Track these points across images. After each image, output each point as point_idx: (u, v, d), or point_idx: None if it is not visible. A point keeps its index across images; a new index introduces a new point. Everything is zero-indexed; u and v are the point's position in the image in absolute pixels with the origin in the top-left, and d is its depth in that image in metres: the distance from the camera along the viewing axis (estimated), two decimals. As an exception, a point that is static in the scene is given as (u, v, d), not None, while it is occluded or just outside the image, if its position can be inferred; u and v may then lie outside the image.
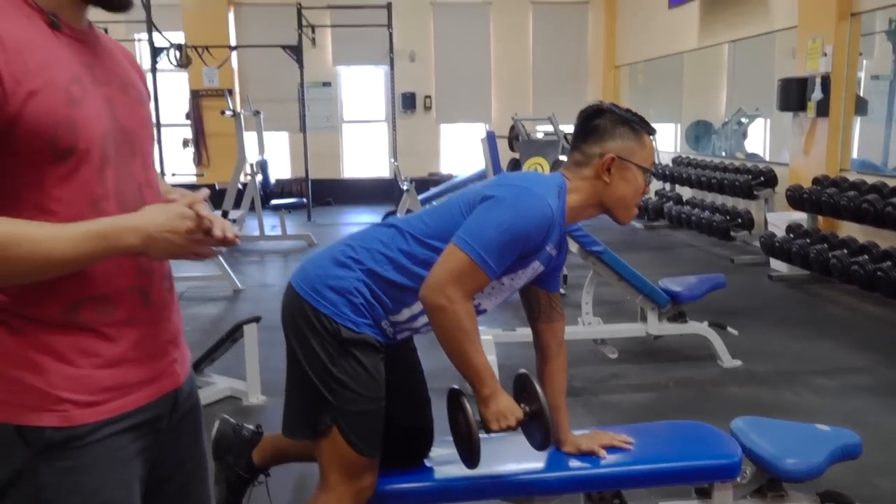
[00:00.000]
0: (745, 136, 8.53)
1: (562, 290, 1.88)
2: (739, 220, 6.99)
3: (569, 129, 8.89)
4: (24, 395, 1.08)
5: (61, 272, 1.06)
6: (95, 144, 1.09)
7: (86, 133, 1.07)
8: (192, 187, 1.29)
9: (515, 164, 9.25)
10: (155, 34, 8.78)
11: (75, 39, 1.12)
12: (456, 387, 1.73)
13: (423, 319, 1.76)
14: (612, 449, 1.92)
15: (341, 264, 1.75)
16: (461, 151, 11.44)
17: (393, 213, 7.73)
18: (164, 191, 1.28)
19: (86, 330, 1.11)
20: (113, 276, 1.13)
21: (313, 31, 9.94)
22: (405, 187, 7.02)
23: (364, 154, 11.47)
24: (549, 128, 8.80)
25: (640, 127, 1.74)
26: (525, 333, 3.80)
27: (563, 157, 8.65)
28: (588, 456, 1.90)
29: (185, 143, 10.00)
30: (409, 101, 11.07)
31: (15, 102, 1.00)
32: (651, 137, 1.76)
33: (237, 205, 7.54)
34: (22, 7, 1.07)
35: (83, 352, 1.11)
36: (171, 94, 10.46)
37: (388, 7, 9.39)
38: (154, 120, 1.28)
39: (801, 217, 6.06)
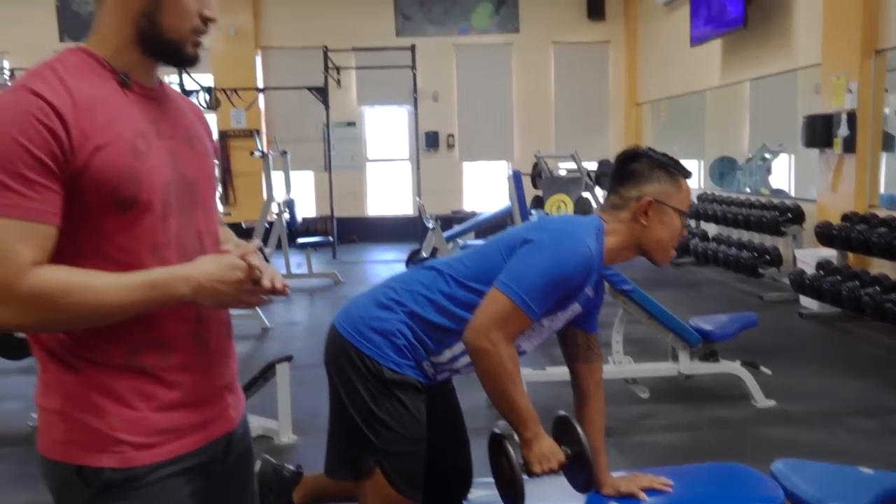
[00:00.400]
0: (769, 171, 8.51)
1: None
2: (767, 257, 6.94)
3: (591, 166, 8.88)
4: (86, 436, 1.12)
5: (116, 318, 1.11)
6: (158, 195, 1.14)
7: (148, 184, 1.12)
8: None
9: (538, 202, 9.28)
10: (185, 77, 9.02)
11: (144, 97, 1.18)
12: (498, 430, 1.74)
13: (464, 360, 1.78)
14: (651, 491, 1.90)
15: (384, 306, 1.79)
16: (484, 189, 11.54)
17: (418, 251, 7.77)
18: (223, 239, 1.32)
19: (145, 374, 1.15)
20: (172, 322, 1.17)
21: (339, 73, 10.15)
22: (431, 225, 7.07)
23: (388, 192, 11.59)
24: (572, 165, 8.86)
25: (675, 171, 1.77)
26: (555, 372, 3.83)
27: (587, 194, 8.69)
28: (628, 498, 1.89)
29: (213, 183, 10.18)
30: (432, 140, 11.21)
31: (82, 156, 1.06)
32: (686, 181, 1.79)
33: (264, 243, 7.64)
34: (95, 67, 1.14)
35: (141, 395, 1.15)
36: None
37: (412, 49, 9.58)
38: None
39: (830, 254, 6.01)
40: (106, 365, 1.13)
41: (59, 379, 1.14)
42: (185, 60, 1.20)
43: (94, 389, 1.13)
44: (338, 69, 10.03)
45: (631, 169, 1.77)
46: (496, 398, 1.65)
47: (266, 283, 1.15)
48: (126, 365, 1.14)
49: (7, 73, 8.98)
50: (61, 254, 1.09)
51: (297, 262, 8.45)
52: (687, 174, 1.79)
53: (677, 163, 1.78)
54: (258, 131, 10.40)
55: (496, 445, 1.72)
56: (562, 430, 1.73)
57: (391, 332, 1.75)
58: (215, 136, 10.63)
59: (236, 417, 1.29)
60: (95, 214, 1.10)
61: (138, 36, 1.15)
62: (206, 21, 1.18)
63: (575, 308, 1.80)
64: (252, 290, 1.15)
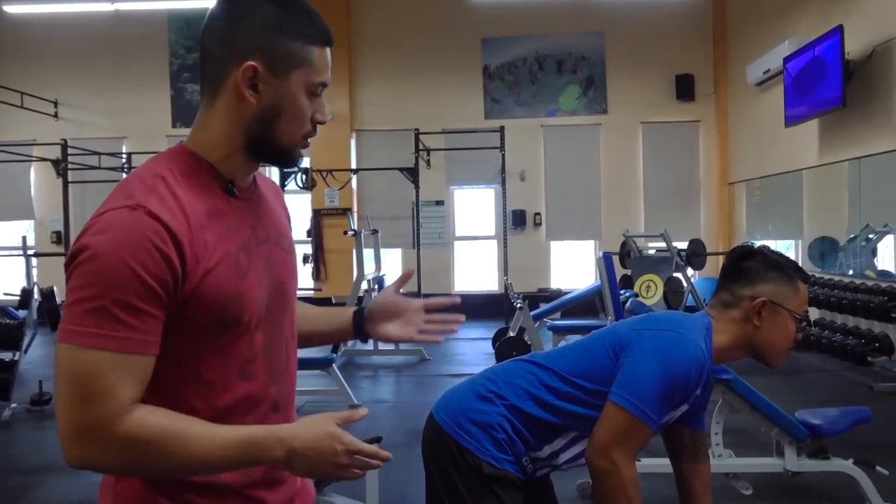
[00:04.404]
0: (874, 253, 8.12)
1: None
2: (877, 345, 6.54)
3: (681, 245, 8.72)
4: None
5: (203, 473, 1.07)
6: (255, 312, 1.12)
7: (249, 303, 1.11)
8: (311, 301, 1.37)
9: (627, 281, 9.14)
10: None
11: (245, 200, 1.16)
12: None
13: (564, 457, 1.74)
14: None
15: (483, 398, 1.78)
16: (570, 267, 11.46)
17: (505, 330, 7.73)
18: (307, 313, 1.38)
19: (225, 492, 1.12)
20: None
21: (429, 154, 10.44)
22: (518, 305, 7.04)
23: (474, 269, 11.67)
24: (661, 244, 8.70)
25: (793, 273, 1.72)
26: (651, 464, 3.67)
27: (677, 274, 8.49)
28: None
29: (306, 259, 10.55)
30: (518, 218, 11.29)
31: (193, 281, 1.04)
32: (805, 284, 1.73)
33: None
34: (202, 174, 1.11)
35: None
36: (295, 213, 11.13)
37: (501, 130, 9.79)
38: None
39: (948, 343, 5.61)
40: (185, 482, 1.09)
41: (129, 488, 1.09)
42: (292, 163, 1.18)
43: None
44: (428, 150, 10.34)
45: (745, 267, 1.73)
46: None
47: (360, 459, 1.08)
48: (206, 482, 1.11)
49: (125, 156, 9.68)
50: (156, 375, 1.04)
51: (385, 338, 8.51)
52: (806, 278, 1.73)
53: (795, 265, 1.74)
54: (350, 210, 10.75)
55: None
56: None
57: (491, 424, 1.74)
58: (309, 214, 11.12)
59: None
60: (198, 336, 1.07)
61: (247, 142, 1.12)
62: (315, 125, 1.15)
63: (683, 407, 1.74)
64: (348, 465, 1.07)
